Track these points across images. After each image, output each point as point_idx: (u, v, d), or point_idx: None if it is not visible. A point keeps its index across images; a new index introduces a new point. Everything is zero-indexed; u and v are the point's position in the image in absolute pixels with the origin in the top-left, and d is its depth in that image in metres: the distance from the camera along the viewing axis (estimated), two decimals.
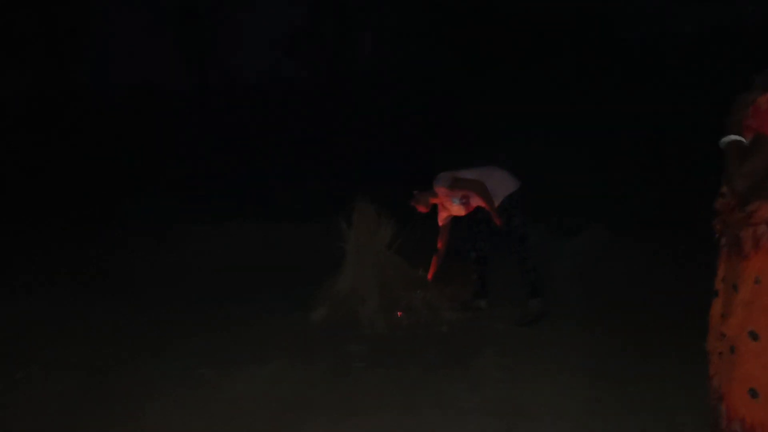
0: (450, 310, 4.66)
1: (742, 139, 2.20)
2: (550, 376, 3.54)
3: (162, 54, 13.65)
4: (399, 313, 4.59)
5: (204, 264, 6.40)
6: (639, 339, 4.11)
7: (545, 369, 3.65)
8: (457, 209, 4.70)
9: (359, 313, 4.47)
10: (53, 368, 3.73)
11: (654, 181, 8.60)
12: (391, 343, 4.14)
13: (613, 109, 10.02)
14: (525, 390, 3.35)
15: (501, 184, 4.51)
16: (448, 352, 3.97)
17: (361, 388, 3.43)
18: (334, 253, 4.85)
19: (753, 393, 2.14)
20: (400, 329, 4.41)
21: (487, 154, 5.05)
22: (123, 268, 6.36)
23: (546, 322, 4.50)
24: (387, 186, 6.16)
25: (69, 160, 10.71)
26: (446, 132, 10.52)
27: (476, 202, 4.60)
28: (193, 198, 9.31)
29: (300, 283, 5.22)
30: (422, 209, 4.78)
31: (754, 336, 2.15)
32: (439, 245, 4.91)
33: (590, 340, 4.17)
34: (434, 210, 4.85)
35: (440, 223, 4.89)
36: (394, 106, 11.51)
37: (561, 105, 10.39)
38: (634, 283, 5.54)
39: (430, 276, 4.91)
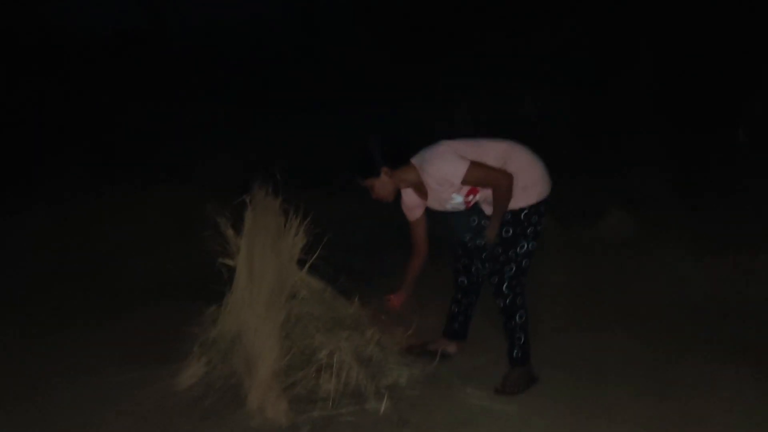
0: (399, 365, 2.83)
1: None
2: None
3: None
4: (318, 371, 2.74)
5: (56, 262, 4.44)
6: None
7: None
8: (454, 206, 2.78)
9: (245, 384, 2.65)
10: None
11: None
12: None
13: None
14: None
15: (533, 184, 2.66)
16: None
17: None
18: (220, 271, 2.96)
19: None
20: (311, 410, 2.58)
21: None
22: None
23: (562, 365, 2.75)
24: (311, 161, 4.17)
25: None
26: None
27: (478, 198, 2.76)
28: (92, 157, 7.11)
29: (181, 311, 3.35)
30: (383, 196, 2.76)
31: None
32: (420, 247, 2.92)
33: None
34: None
35: (411, 219, 2.91)
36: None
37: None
38: (671, 290, 3.80)
39: (397, 303, 2.97)
